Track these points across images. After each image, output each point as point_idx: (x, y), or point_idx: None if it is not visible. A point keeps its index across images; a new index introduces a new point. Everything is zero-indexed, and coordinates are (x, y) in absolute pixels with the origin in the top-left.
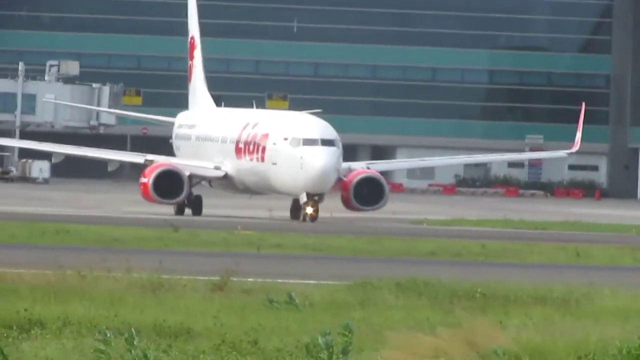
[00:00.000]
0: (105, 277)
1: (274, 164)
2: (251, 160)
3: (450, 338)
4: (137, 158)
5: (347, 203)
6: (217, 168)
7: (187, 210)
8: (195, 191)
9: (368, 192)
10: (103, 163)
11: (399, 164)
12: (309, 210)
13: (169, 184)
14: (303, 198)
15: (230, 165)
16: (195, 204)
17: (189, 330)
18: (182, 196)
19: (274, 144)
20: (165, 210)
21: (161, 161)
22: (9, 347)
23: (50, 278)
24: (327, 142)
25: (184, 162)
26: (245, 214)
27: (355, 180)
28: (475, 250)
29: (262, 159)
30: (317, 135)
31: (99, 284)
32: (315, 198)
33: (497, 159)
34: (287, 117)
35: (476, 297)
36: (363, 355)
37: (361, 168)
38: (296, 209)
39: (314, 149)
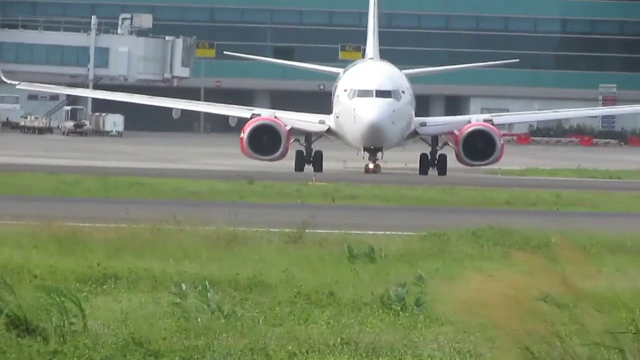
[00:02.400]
0: (179, 231)
1: (337, 116)
2: (332, 113)
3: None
4: (244, 112)
5: (457, 157)
6: (321, 122)
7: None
8: (316, 146)
9: (481, 146)
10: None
11: (523, 116)
12: (370, 164)
13: (268, 139)
14: (362, 151)
15: (329, 118)
16: (316, 160)
17: (263, 283)
18: (279, 152)
19: (338, 95)
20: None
21: (264, 115)
22: (83, 302)
23: (124, 232)
24: (382, 94)
25: (288, 116)
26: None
27: (464, 134)
28: (550, 199)
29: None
30: (372, 86)
31: (173, 237)
32: (374, 151)
33: (591, 113)
34: (359, 67)
35: (549, 246)
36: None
37: (479, 121)
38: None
39: (366, 100)
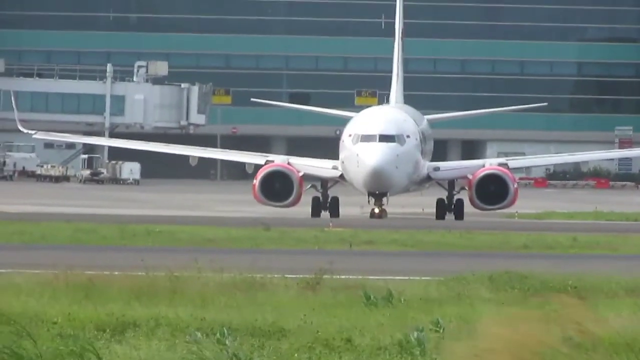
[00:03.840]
0: (197, 278)
1: (342, 162)
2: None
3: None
4: (257, 159)
5: (471, 201)
6: (334, 168)
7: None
8: (333, 192)
9: (495, 190)
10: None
11: (538, 160)
12: (375, 209)
13: (280, 185)
14: (367, 196)
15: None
16: (332, 206)
17: (281, 329)
18: (292, 198)
19: (343, 141)
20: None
21: (278, 162)
22: (102, 350)
23: (142, 280)
24: (386, 138)
25: (301, 162)
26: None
27: (477, 178)
28: (567, 243)
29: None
30: (375, 131)
31: (191, 285)
32: (379, 196)
33: (607, 156)
34: (365, 112)
35: (569, 290)
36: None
37: (493, 165)
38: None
39: (369, 145)
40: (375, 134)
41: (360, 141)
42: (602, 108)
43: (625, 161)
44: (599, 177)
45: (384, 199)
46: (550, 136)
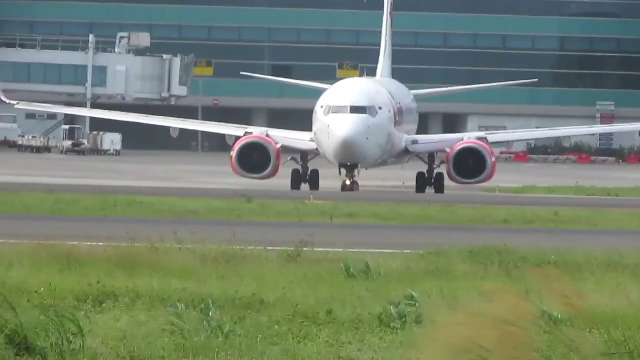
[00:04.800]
0: (177, 249)
1: (315, 133)
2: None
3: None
4: (237, 131)
5: (448, 175)
6: (312, 140)
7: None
8: (313, 165)
9: (473, 164)
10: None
11: (518, 134)
12: (347, 181)
13: (257, 157)
14: (339, 168)
15: None
16: (312, 179)
17: (262, 301)
18: (269, 170)
19: (316, 112)
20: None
21: (256, 134)
22: (82, 320)
23: (122, 251)
24: (358, 110)
25: (280, 134)
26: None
27: (455, 151)
28: (548, 217)
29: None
30: (346, 102)
31: (172, 256)
32: (351, 168)
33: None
34: (338, 84)
35: (549, 264)
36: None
37: (471, 139)
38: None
39: (340, 117)
40: (347, 106)
41: (332, 112)
42: (584, 83)
43: (606, 136)
44: (581, 152)
45: (356, 171)
46: (532, 111)
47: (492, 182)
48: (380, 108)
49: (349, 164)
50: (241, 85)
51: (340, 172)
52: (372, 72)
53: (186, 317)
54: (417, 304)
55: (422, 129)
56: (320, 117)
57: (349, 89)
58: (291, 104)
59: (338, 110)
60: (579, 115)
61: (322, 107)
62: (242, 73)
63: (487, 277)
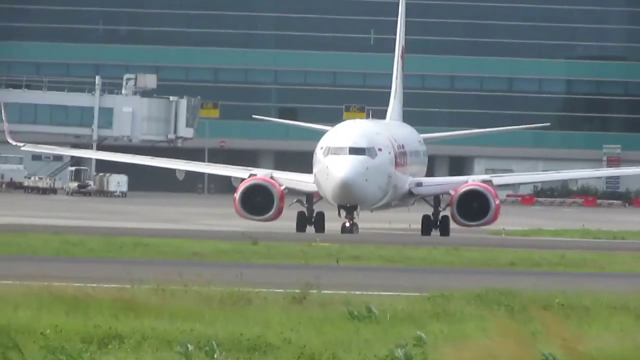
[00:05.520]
0: (184, 291)
1: (315, 174)
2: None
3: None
4: (241, 173)
5: (452, 217)
6: (315, 182)
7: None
8: (319, 207)
9: (477, 206)
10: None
11: (523, 177)
12: (346, 222)
13: (261, 199)
14: (337, 209)
15: None
16: (318, 221)
17: (267, 343)
18: (272, 212)
19: (316, 154)
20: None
21: (260, 175)
22: None
23: (128, 292)
24: (356, 151)
25: (284, 176)
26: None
27: (458, 194)
28: (554, 260)
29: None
30: (346, 143)
31: (178, 298)
32: (350, 210)
33: (595, 174)
34: (338, 126)
35: (555, 307)
36: None
37: (476, 181)
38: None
39: (339, 158)
40: (345, 147)
41: (331, 154)
42: (591, 126)
43: (613, 179)
44: (587, 195)
45: (355, 213)
46: (539, 153)
47: (496, 224)
48: (379, 149)
49: (348, 205)
50: (247, 127)
51: (339, 213)
52: (379, 115)
53: (193, 359)
54: (424, 345)
55: (428, 171)
56: (319, 158)
57: (348, 131)
58: (297, 146)
59: (337, 151)
60: (586, 158)
61: (321, 148)
62: (253, 116)
63: (493, 320)
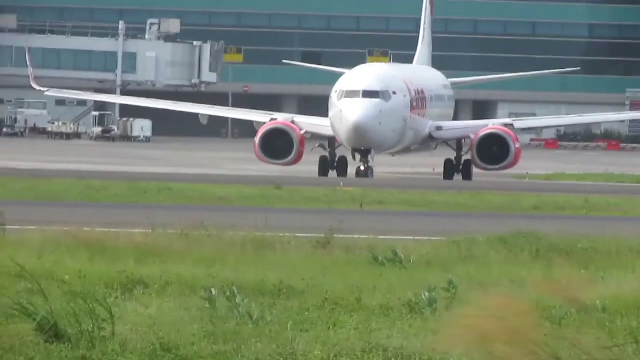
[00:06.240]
0: (207, 236)
1: (330, 118)
2: None
3: (546, 292)
4: (262, 117)
5: (472, 161)
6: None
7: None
8: (341, 152)
9: (497, 150)
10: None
11: (544, 120)
12: (361, 166)
13: (281, 143)
14: (351, 153)
15: None
16: (340, 165)
17: (291, 288)
18: (292, 156)
19: (331, 97)
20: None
21: (280, 120)
22: (113, 307)
23: (152, 237)
24: (370, 94)
25: (305, 120)
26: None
27: (478, 137)
28: (578, 204)
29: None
30: (359, 86)
31: (202, 243)
32: (364, 153)
33: (616, 118)
34: (355, 69)
35: (578, 251)
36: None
37: (496, 125)
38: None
39: (352, 101)
40: (359, 90)
41: (345, 97)
42: (614, 70)
43: (636, 123)
44: (610, 139)
45: (370, 157)
46: (562, 98)
47: (518, 168)
48: (394, 93)
49: (362, 148)
50: (271, 72)
51: (354, 157)
52: (402, 59)
53: (217, 304)
54: (455, 290)
55: (453, 115)
56: (334, 102)
57: (362, 74)
58: (321, 90)
59: (351, 94)
60: (609, 102)
61: (336, 91)
62: (284, 61)
63: (518, 264)
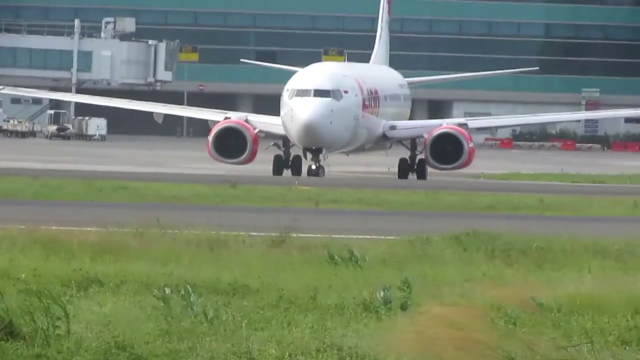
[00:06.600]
0: (162, 235)
1: (281, 116)
2: None
3: (501, 294)
4: (216, 116)
5: (426, 161)
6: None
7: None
8: (295, 151)
9: (450, 149)
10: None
11: (499, 120)
12: (312, 165)
13: (234, 142)
14: (302, 152)
15: None
16: (295, 164)
17: (246, 287)
18: (245, 155)
19: (282, 96)
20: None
21: (234, 119)
22: (68, 305)
23: (107, 236)
24: (321, 93)
25: (258, 119)
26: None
27: (432, 137)
28: (533, 203)
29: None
30: (311, 85)
31: (156, 241)
32: (316, 152)
33: (572, 117)
34: (306, 68)
35: (533, 251)
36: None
37: (450, 124)
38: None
39: (303, 100)
40: (310, 89)
41: (295, 96)
42: (570, 70)
43: (591, 123)
44: (566, 138)
45: (321, 155)
46: (518, 97)
47: (471, 167)
48: (345, 92)
49: (313, 147)
50: (227, 70)
51: (305, 155)
52: (358, 58)
53: (171, 303)
54: (410, 289)
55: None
56: (285, 100)
57: (314, 73)
58: (277, 89)
59: (302, 93)
60: (565, 102)
61: (287, 90)
62: (242, 60)
63: (473, 263)
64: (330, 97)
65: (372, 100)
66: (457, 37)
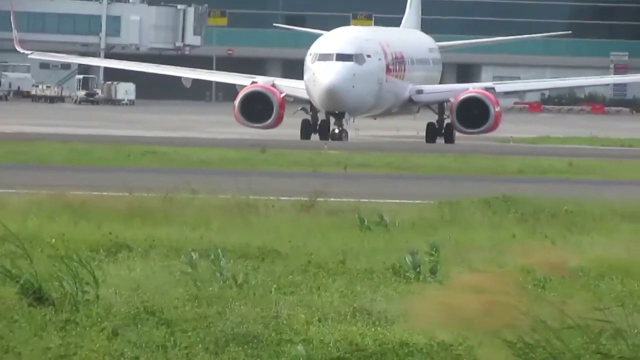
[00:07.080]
0: (192, 199)
1: (305, 81)
2: None
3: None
4: (244, 80)
5: (452, 125)
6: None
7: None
8: (322, 115)
9: (477, 114)
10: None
11: (527, 84)
12: (335, 129)
13: (261, 107)
14: (325, 116)
15: None
16: (322, 129)
17: (275, 252)
18: (271, 119)
19: (305, 60)
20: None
21: (261, 83)
22: (96, 270)
23: (136, 201)
24: (343, 57)
25: (285, 83)
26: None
27: (458, 101)
28: (562, 167)
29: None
30: (332, 49)
31: (186, 206)
32: (339, 116)
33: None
34: (330, 32)
35: (562, 215)
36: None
37: (477, 88)
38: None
39: (325, 64)
40: (332, 53)
41: (318, 60)
42: (598, 33)
43: (620, 87)
44: (594, 102)
45: (344, 120)
46: (547, 61)
47: (500, 131)
48: (368, 56)
49: (336, 111)
50: (255, 35)
51: (328, 120)
52: (387, 22)
53: (199, 267)
54: (438, 254)
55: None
56: (308, 65)
57: (336, 37)
58: (305, 54)
59: (324, 57)
60: (593, 65)
61: (310, 54)
62: (274, 24)
63: (502, 227)
64: (352, 61)
65: (396, 64)
66: (488, 1)
